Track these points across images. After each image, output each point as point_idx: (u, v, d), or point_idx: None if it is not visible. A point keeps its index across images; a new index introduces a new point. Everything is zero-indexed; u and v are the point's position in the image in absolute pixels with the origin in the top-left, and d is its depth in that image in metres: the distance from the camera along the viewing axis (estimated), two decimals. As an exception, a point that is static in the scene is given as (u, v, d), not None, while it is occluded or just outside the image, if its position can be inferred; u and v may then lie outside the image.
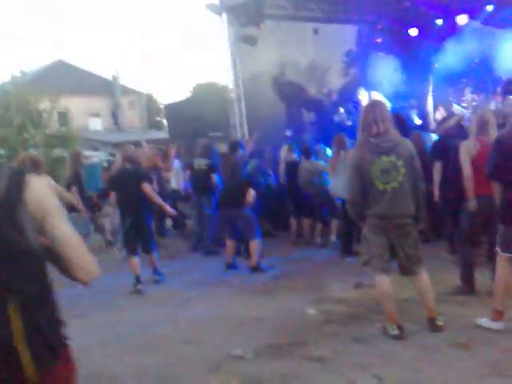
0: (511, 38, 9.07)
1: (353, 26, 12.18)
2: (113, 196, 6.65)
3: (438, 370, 3.48)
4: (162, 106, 36.38)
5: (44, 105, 22.20)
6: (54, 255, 1.69)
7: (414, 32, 11.41)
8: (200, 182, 8.12)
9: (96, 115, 34.17)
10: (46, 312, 1.68)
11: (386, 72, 10.98)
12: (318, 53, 11.70)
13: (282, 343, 4.19)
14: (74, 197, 7.64)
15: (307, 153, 8.12)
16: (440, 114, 9.22)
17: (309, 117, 11.86)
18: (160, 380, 3.79)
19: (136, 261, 6.46)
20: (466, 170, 4.86)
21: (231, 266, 7.08)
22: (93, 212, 8.92)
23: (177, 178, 9.29)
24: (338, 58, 12.24)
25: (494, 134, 4.70)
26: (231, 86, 10.83)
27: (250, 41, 10.76)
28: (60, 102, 23.09)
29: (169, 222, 11.12)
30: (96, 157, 15.97)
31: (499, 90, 9.09)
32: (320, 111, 11.65)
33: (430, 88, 9.73)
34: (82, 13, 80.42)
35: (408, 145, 4.16)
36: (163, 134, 23.27)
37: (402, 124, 7.27)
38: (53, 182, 6.19)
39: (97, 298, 6.29)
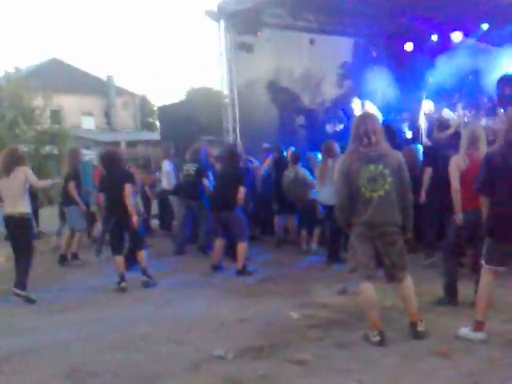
0: (505, 56, 9.18)
1: (349, 39, 12.31)
2: (102, 198, 6.68)
3: (418, 378, 3.49)
4: (155, 108, 36.38)
5: (37, 102, 22.12)
6: None
7: (409, 47, 11.54)
8: (188, 186, 8.14)
9: (89, 114, 34.09)
10: None
11: (380, 85, 11.08)
12: (312, 63, 11.79)
13: (263, 345, 4.17)
14: (72, 192, 7.83)
15: (294, 159, 8.17)
16: (428, 109, 9.32)
17: (301, 124, 11.91)
18: (140, 378, 3.76)
19: (121, 259, 6.45)
20: (455, 183, 4.92)
21: (217, 268, 7.08)
22: (91, 222, 9.11)
23: (168, 179, 9.28)
24: (333, 69, 12.33)
25: (484, 149, 4.77)
26: (225, 91, 10.88)
27: (247, 48, 10.82)
28: (53, 99, 23.01)
29: (156, 222, 11.11)
30: (87, 155, 15.92)
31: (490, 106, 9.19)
32: (312, 120, 11.71)
33: (423, 102, 9.81)
34: (78, 11, 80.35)
35: (397, 155, 4.21)
36: (155, 136, 23.24)
37: (393, 136, 7.36)
38: (30, 172, 6.26)
39: (80, 295, 6.28)
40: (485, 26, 10.11)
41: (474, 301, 4.26)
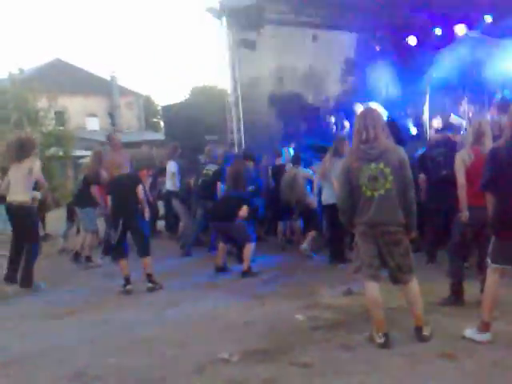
0: (509, 49, 9.10)
1: (352, 35, 12.24)
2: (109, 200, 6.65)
3: (423, 380, 3.47)
4: (159, 108, 36.38)
5: (41, 103, 22.16)
6: None
7: (412, 41, 11.47)
8: (204, 187, 8.18)
9: (93, 115, 34.11)
10: None
11: (384, 80, 11.02)
12: (316, 59, 11.74)
13: (268, 348, 4.17)
14: (95, 195, 7.85)
15: (296, 160, 8.14)
16: (437, 123, 9.24)
17: (304, 124, 11.87)
18: (144, 381, 3.76)
19: (125, 262, 6.45)
20: (460, 179, 4.86)
21: (221, 270, 7.07)
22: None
23: (173, 180, 9.25)
24: (336, 65, 12.28)
25: (489, 144, 4.70)
26: (229, 89, 10.86)
27: (249, 45, 10.81)
28: (57, 100, 23.05)
29: (161, 224, 11.10)
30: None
31: (495, 103, 9.11)
32: (316, 117, 11.66)
33: (427, 97, 9.75)
34: (80, 12, 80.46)
35: (398, 152, 4.10)
36: (160, 136, 23.26)
37: (397, 132, 7.32)
38: (38, 164, 6.51)
39: (86, 298, 6.29)
40: (488, 19, 10.03)
41: (480, 300, 4.23)
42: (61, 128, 23.44)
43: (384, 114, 7.83)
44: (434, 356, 3.79)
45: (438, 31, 11.00)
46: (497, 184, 3.96)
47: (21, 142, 6.53)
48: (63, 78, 29.99)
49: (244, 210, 6.87)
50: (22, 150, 6.46)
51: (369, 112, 4.33)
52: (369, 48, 12.05)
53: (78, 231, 9.02)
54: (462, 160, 4.88)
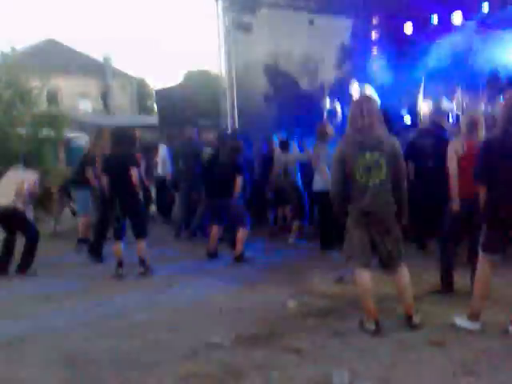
0: (505, 39, 9.10)
1: (348, 21, 12.15)
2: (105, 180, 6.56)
3: (412, 367, 3.52)
4: (153, 91, 36.08)
5: (34, 83, 21.89)
6: None
7: (408, 29, 11.41)
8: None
9: (86, 97, 33.79)
10: None
11: (379, 68, 10.98)
12: (312, 45, 11.64)
13: (260, 333, 4.21)
14: (90, 178, 7.68)
15: (284, 146, 8.13)
16: (427, 107, 9.24)
17: (299, 110, 11.82)
18: (137, 365, 3.78)
19: (120, 245, 6.43)
20: (452, 169, 4.88)
21: (213, 255, 7.08)
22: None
23: (163, 165, 9.22)
24: (332, 51, 12.18)
25: (482, 135, 4.73)
26: (223, 74, 10.79)
27: (245, 28, 10.72)
28: (50, 81, 22.76)
29: (154, 208, 11.09)
30: (83, 138, 15.78)
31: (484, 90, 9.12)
32: (311, 103, 11.61)
33: (422, 86, 9.73)
34: (76, -8, 79.14)
35: (392, 142, 4.14)
36: (153, 120, 23.10)
37: (389, 122, 7.31)
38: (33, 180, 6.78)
39: (79, 281, 6.30)
40: (485, 8, 10.00)
41: (471, 289, 4.28)
42: (53, 109, 23.20)
43: (377, 100, 7.80)
44: (424, 343, 3.84)
45: (435, 20, 10.96)
46: (489, 175, 3.99)
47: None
48: (56, 58, 29.61)
49: (239, 182, 6.81)
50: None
51: (365, 100, 4.33)
52: (365, 35, 11.99)
53: (74, 214, 9.00)
54: (454, 150, 4.90)
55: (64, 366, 3.83)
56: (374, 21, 11.87)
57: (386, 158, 4.03)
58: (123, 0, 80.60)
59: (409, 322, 4.15)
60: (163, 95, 15.07)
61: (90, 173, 7.74)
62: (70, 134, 19.42)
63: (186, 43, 77.82)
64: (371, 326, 4.08)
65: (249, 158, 8.79)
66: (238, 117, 10.51)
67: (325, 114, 10.89)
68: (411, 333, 4.05)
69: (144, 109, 38.03)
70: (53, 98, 25.18)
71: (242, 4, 10.46)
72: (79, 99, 32.81)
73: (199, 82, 22.75)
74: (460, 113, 8.96)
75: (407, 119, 10.07)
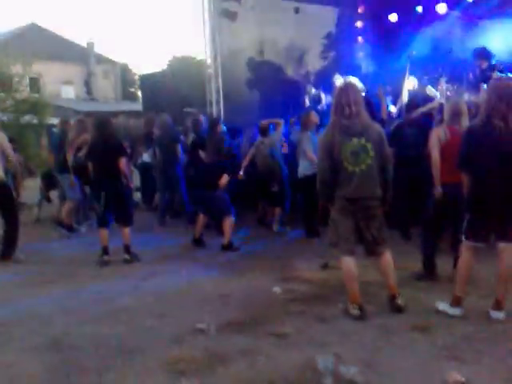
0: (489, 29, 9.14)
1: (334, 9, 12.11)
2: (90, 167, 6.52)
3: (396, 352, 3.56)
4: (137, 77, 35.74)
5: (15, 68, 21.54)
6: None
7: (393, 18, 11.41)
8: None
9: (69, 83, 33.34)
10: None
11: (364, 56, 10.97)
12: (297, 33, 11.59)
13: (245, 319, 4.22)
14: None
15: (263, 132, 8.12)
16: (411, 84, 9.27)
17: (284, 96, 11.79)
18: (121, 351, 3.77)
19: (105, 232, 6.41)
20: (435, 155, 4.92)
21: (198, 242, 7.07)
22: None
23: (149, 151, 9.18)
24: (318, 39, 12.15)
25: (465, 123, 4.77)
26: (209, 61, 10.71)
27: (230, 16, 10.64)
28: (32, 67, 22.44)
29: (139, 196, 11.04)
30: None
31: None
32: (295, 91, 11.59)
33: (407, 75, 9.75)
34: (58, -24, 77.78)
35: (378, 128, 4.22)
36: (137, 106, 22.90)
37: (372, 110, 7.33)
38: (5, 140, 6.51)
39: (62, 268, 6.26)
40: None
41: (453, 276, 4.34)
42: (35, 95, 22.90)
43: (362, 88, 7.81)
44: (407, 328, 3.89)
45: (420, 9, 10.97)
46: (472, 163, 4.02)
47: None
48: (38, 43, 29.12)
49: (225, 179, 6.82)
50: None
51: (350, 87, 4.34)
52: (350, 24, 11.96)
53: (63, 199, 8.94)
54: (437, 137, 4.94)
55: (48, 351, 3.82)
56: (360, 9, 11.82)
57: (372, 143, 4.08)
58: (106, -15, 79.52)
59: (393, 303, 4.21)
60: (147, 81, 14.91)
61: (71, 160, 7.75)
62: (53, 121, 19.23)
63: (172, 29, 77.20)
64: (355, 311, 4.12)
65: (235, 144, 8.79)
66: (224, 103, 10.45)
67: (307, 101, 10.88)
68: (395, 318, 4.10)
69: (128, 95, 37.66)
70: (35, 84, 24.84)
71: (227, -11, 10.36)
72: (62, 85, 32.38)
73: (184, 68, 22.60)
74: (444, 101, 9.01)
75: (392, 109, 10.10)
